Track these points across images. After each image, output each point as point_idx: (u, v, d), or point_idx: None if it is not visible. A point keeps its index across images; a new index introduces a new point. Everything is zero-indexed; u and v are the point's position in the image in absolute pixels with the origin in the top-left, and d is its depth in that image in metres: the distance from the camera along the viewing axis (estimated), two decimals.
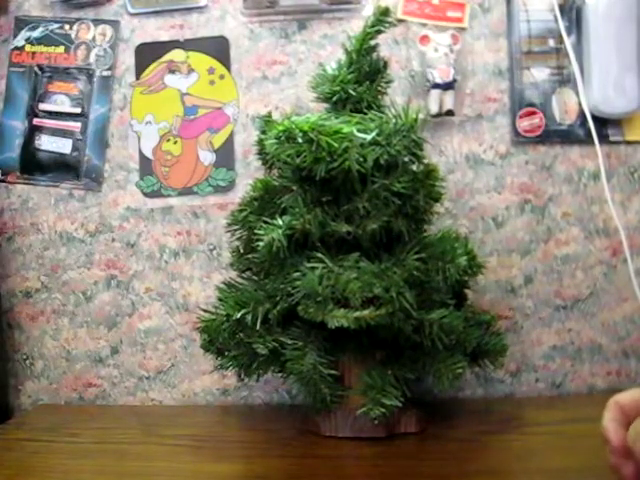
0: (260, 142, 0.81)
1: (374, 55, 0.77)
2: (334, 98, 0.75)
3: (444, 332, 0.69)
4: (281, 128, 0.66)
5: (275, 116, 0.81)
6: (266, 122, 0.79)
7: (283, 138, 0.66)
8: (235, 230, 0.78)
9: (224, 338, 0.73)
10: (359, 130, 0.65)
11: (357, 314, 0.65)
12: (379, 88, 0.77)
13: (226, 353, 0.76)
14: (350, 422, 0.74)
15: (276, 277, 0.71)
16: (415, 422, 0.75)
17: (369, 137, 0.65)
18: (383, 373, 0.70)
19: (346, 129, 0.65)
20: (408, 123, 0.66)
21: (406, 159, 0.67)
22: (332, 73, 0.76)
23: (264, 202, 0.75)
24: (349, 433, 0.74)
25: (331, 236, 0.69)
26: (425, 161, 0.71)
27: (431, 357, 0.71)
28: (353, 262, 0.67)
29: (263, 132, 0.79)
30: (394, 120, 0.66)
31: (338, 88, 0.74)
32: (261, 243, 0.69)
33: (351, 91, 0.74)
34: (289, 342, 0.71)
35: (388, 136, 0.65)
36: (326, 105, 0.77)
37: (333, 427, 0.75)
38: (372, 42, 0.76)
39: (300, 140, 0.65)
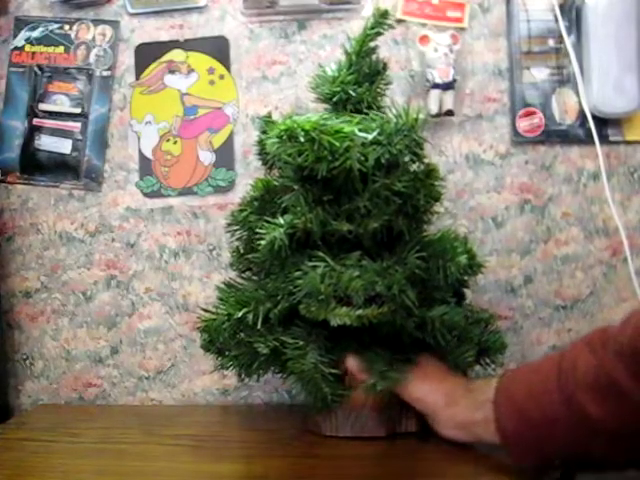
0: (260, 142, 0.81)
1: (374, 57, 0.77)
2: (334, 99, 0.75)
3: (446, 328, 0.69)
4: (283, 127, 0.66)
5: (275, 116, 0.82)
6: (266, 122, 0.79)
7: (285, 137, 0.65)
8: (235, 230, 0.78)
9: (224, 338, 0.73)
10: (360, 130, 0.65)
11: (360, 312, 0.65)
12: (379, 89, 0.77)
13: (226, 353, 0.76)
14: (351, 422, 0.74)
15: (277, 276, 0.71)
16: (415, 422, 0.75)
17: (370, 136, 0.65)
18: (388, 351, 0.71)
19: (347, 128, 0.65)
20: (409, 123, 0.66)
21: (407, 159, 0.67)
22: (332, 74, 0.76)
23: (264, 202, 0.75)
24: (350, 433, 0.74)
25: (332, 235, 0.69)
26: (425, 161, 0.71)
27: (439, 353, 0.71)
28: (355, 261, 0.67)
29: (263, 132, 0.80)
30: (395, 120, 0.66)
31: (338, 89, 0.75)
32: (263, 242, 0.69)
33: (351, 92, 0.74)
34: (290, 341, 0.71)
35: (389, 136, 0.65)
36: (326, 105, 0.77)
37: (334, 427, 0.75)
38: (372, 44, 0.76)
39: (302, 139, 0.64)
